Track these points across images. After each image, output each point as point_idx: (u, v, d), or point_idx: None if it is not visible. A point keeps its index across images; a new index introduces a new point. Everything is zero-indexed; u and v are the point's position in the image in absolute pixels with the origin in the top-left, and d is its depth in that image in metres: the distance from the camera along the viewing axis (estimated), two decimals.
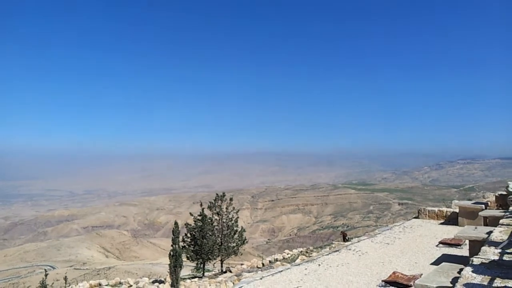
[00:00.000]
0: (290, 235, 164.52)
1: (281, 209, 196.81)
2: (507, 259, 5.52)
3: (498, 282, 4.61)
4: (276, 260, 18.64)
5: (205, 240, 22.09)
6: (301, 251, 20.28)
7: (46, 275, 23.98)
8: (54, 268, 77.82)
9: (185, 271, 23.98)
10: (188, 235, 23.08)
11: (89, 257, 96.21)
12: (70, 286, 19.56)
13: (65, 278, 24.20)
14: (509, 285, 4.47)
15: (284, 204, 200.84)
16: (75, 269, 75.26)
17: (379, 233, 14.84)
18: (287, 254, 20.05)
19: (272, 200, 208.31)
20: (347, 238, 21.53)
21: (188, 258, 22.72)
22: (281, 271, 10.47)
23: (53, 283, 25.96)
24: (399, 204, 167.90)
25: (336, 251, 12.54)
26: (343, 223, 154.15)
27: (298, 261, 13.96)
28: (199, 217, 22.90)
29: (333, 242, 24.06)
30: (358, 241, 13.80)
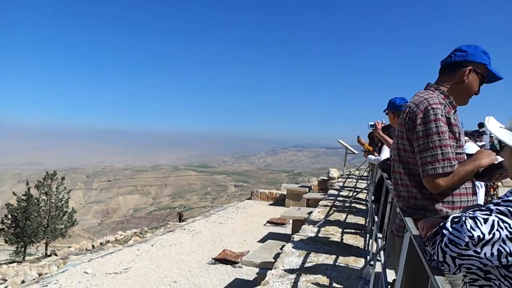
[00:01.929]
0: (125, 216, 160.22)
1: (118, 190, 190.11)
2: (322, 236, 6.13)
3: (312, 255, 5.09)
4: (108, 242, 17.94)
5: (29, 222, 20.30)
6: (135, 232, 19.88)
7: None
8: None
9: (2, 256, 21.71)
10: (9, 216, 20.94)
11: None
12: None
13: None
14: (321, 258, 4.98)
15: (122, 184, 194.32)
16: None
17: (213, 213, 15.27)
18: (120, 235, 19.45)
19: (109, 181, 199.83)
20: (183, 219, 21.80)
21: (6, 242, 20.62)
22: (112, 252, 10.08)
23: None
24: (235, 186, 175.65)
25: (170, 231, 12.54)
26: (180, 204, 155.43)
27: (131, 242, 13.62)
28: (24, 197, 20.93)
29: (169, 222, 24.13)
30: (193, 221, 14.01)
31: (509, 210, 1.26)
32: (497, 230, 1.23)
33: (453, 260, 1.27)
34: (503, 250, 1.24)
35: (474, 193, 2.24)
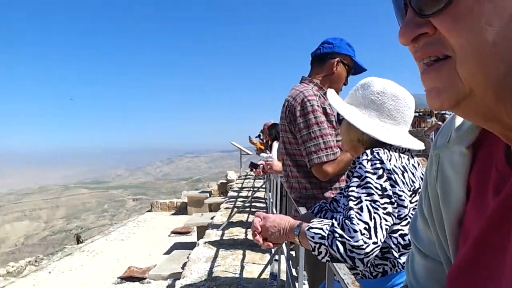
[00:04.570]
0: (16, 245, 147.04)
1: (3, 217, 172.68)
2: (226, 238, 6.28)
3: (219, 259, 5.21)
4: None
5: None
6: (30, 261, 18.48)
7: None
8: None
9: None
10: None
11: None
12: None
13: None
14: (228, 260, 5.12)
15: (7, 211, 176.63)
16: None
17: (113, 231, 14.72)
18: (12, 267, 17.93)
19: None
20: (81, 240, 20.66)
21: None
22: (4, 287, 9.32)
23: None
24: (133, 200, 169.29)
25: (68, 255, 11.87)
26: (77, 225, 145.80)
27: (25, 272, 12.65)
28: None
29: (66, 246, 22.74)
30: (92, 242, 13.39)
31: (371, 187, 1.33)
32: (375, 213, 1.29)
33: (362, 261, 1.25)
34: (388, 227, 1.32)
35: None
